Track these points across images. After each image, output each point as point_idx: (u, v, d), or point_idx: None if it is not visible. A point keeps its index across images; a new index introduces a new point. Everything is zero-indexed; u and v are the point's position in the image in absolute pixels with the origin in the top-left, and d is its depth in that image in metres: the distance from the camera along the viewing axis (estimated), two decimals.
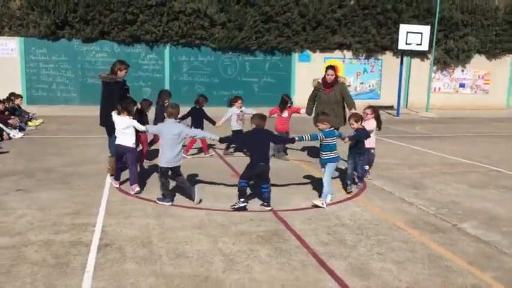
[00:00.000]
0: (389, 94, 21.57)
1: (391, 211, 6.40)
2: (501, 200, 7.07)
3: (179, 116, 6.93)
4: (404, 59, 20.88)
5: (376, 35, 21.42)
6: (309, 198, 6.74)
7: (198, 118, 9.43)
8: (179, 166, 6.42)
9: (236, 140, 9.33)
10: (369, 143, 7.64)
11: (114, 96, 7.29)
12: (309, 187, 7.42)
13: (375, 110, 7.98)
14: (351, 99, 8.96)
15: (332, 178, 6.83)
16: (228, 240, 5.18)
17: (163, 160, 6.30)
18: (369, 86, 22.28)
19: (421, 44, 18.86)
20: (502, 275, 4.51)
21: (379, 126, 7.95)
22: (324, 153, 6.59)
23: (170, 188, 6.46)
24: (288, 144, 9.45)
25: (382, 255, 4.91)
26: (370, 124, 7.76)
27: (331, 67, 9.09)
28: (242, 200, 6.19)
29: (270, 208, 6.27)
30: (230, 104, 9.98)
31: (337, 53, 21.74)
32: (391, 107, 21.19)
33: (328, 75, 8.96)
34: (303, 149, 10.98)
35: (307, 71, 21.25)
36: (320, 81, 9.29)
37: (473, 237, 5.49)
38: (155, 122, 8.51)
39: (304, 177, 8.10)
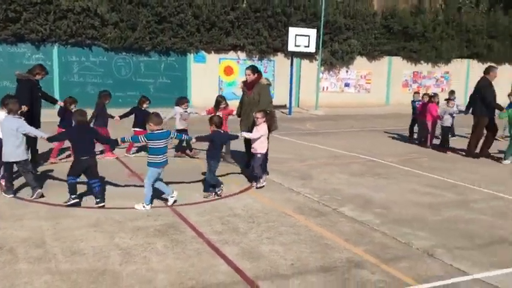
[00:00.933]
0: (282, 94, 22.59)
1: (281, 200, 6.94)
2: (375, 186, 7.97)
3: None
4: (294, 60, 22.02)
5: (268, 37, 22.35)
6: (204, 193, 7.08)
7: (140, 118, 9.81)
8: (26, 160, 6.64)
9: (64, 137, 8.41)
10: (261, 147, 7.51)
11: (23, 93, 7.31)
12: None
13: (266, 113, 7.68)
14: (264, 101, 8.12)
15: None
16: (125, 236, 5.32)
17: (5, 154, 6.54)
18: None
19: (308, 46, 20.07)
20: (372, 248, 5.19)
21: (270, 129, 7.75)
22: (149, 156, 6.24)
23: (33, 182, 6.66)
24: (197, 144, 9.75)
25: (270, 239, 5.38)
26: (261, 128, 7.52)
27: (249, 67, 8.43)
28: (73, 196, 6.25)
29: (103, 204, 6.22)
30: (176, 104, 10.08)
31: (232, 54, 22.32)
32: (284, 106, 22.23)
33: (246, 75, 8.37)
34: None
35: (202, 72, 21.57)
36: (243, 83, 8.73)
37: (350, 218, 6.19)
38: (95, 123, 9.40)
39: (203, 173, 8.41)
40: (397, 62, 25.81)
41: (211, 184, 6.98)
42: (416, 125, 13.15)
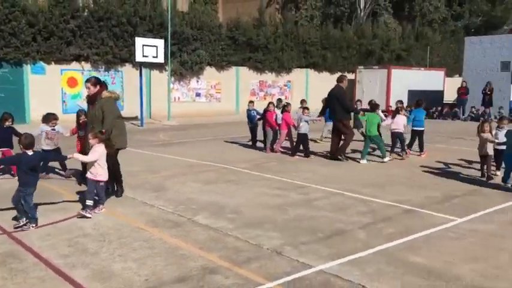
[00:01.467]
0: (132, 105, 21.98)
1: (133, 215, 6.74)
2: (228, 192, 8.21)
3: None
4: (144, 70, 21.62)
5: (114, 47, 21.59)
6: (49, 215, 6.53)
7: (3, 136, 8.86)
8: None
9: None
10: (100, 174, 6.74)
11: None
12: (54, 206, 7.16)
13: (101, 133, 6.85)
14: (108, 117, 7.17)
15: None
16: None
17: None
18: None
19: (157, 57, 19.88)
20: (225, 253, 5.32)
21: (113, 148, 7.08)
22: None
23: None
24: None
25: (123, 256, 5.19)
26: (96, 151, 6.72)
27: (89, 79, 7.49)
28: None
29: None
30: (43, 121, 9.01)
31: (75, 65, 21.08)
32: (136, 118, 21.66)
33: (86, 88, 7.45)
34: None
35: (42, 84, 19.96)
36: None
37: (204, 226, 6.27)
38: None
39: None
40: (244, 71, 26.91)
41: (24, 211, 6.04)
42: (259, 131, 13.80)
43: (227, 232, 6.01)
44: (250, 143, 14.34)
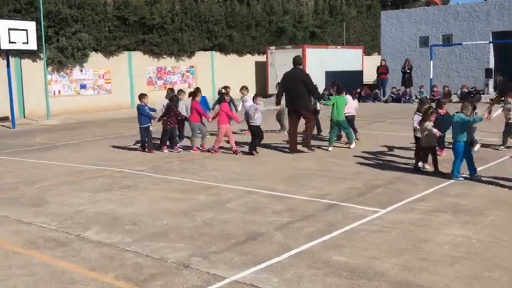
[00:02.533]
0: (1, 103, 20.70)
1: (5, 236, 6.39)
2: (123, 200, 8.06)
3: None
4: (12, 60, 20.44)
5: None
6: None
7: None
8: None
9: None
10: None
11: None
12: None
13: None
14: None
15: None
16: None
17: None
18: None
19: (28, 43, 18.87)
20: (123, 271, 5.22)
21: None
22: None
23: None
24: None
25: None
26: None
27: None
28: None
29: None
30: None
31: None
32: (6, 118, 20.44)
33: None
34: None
35: None
36: None
37: (96, 242, 6.10)
38: None
39: None
40: (138, 57, 26.40)
41: None
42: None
43: (124, 247, 5.90)
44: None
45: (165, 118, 12.41)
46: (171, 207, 7.54)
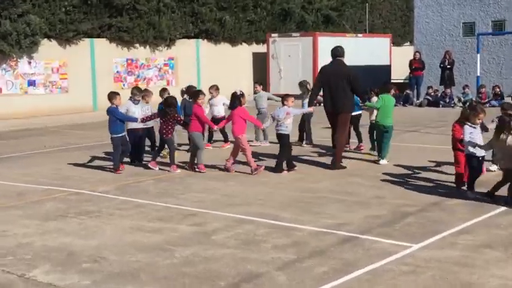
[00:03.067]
0: None
1: None
2: (82, 230, 8.05)
3: None
4: None
5: None
6: None
7: None
8: None
9: None
10: None
11: None
12: None
13: None
14: None
15: None
16: None
17: None
18: None
19: None
20: None
21: None
22: None
23: None
24: None
25: None
26: None
27: None
28: None
29: None
30: None
31: None
32: None
33: None
34: None
35: None
36: None
37: (45, 285, 6.09)
38: None
39: None
40: (103, 46, 26.45)
41: None
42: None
43: None
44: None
45: (163, 125, 12.35)
46: (143, 240, 7.51)
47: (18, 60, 23.92)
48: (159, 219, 8.50)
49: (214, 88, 15.44)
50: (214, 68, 29.26)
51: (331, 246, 7.15)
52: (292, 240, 7.39)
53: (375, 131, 12.90)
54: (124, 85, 27.00)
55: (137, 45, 27.67)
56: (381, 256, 6.71)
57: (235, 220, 8.37)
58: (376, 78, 26.56)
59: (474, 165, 9.48)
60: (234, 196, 9.89)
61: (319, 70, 12.94)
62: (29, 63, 24.27)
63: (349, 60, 27.98)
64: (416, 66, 26.85)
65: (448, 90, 25.34)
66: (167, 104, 12.35)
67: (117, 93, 12.50)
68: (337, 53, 12.52)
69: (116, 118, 12.10)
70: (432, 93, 25.79)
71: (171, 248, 7.20)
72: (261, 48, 31.57)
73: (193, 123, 12.25)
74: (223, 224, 8.18)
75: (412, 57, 27.42)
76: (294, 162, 12.06)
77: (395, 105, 13.03)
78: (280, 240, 7.40)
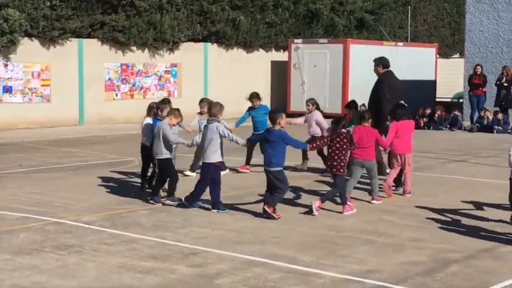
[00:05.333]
0: None
1: None
2: (60, 268, 8.05)
3: None
4: None
5: None
6: None
7: None
8: None
9: None
10: None
11: None
12: None
13: None
14: None
15: None
16: None
17: None
18: None
19: None
20: None
21: None
22: None
23: None
24: None
25: None
26: None
27: None
28: None
29: None
30: None
31: None
32: None
33: None
34: None
35: None
36: None
37: None
38: None
39: None
40: (94, 48, 26.63)
41: None
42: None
43: None
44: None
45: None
46: (134, 283, 7.51)
47: None
48: (153, 258, 8.47)
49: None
50: (225, 77, 29.38)
51: None
52: None
53: None
54: (116, 95, 27.22)
55: (134, 48, 27.84)
56: None
57: (243, 262, 8.34)
58: (418, 95, 26.55)
59: None
60: (244, 232, 9.87)
61: (390, 82, 13.82)
62: (5, 65, 24.46)
63: None
64: (476, 82, 26.57)
65: (500, 115, 25.05)
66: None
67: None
68: (385, 64, 13.91)
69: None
70: (482, 116, 25.58)
71: None
72: (281, 56, 31.69)
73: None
74: (229, 266, 8.14)
75: (471, 72, 26.89)
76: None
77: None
78: None
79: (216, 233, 9.83)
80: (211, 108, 11.94)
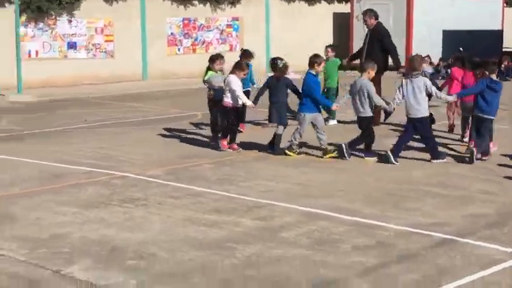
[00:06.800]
0: None
1: None
2: (126, 221, 8.18)
3: None
4: None
5: None
6: None
7: None
8: None
9: None
10: None
11: None
12: None
13: None
14: None
15: None
16: None
17: None
18: None
19: None
20: None
21: None
22: None
23: None
24: None
25: None
26: None
27: None
28: None
29: None
30: None
31: None
32: None
33: None
34: None
35: None
36: None
37: (84, 283, 6.20)
38: None
39: None
40: (156, 3, 26.58)
41: None
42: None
43: None
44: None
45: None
46: (198, 235, 7.58)
47: (57, 18, 24.33)
48: (217, 211, 8.54)
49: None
50: (287, 31, 29.14)
51: (422, 249, 7.05)
52: (376, 241, 7.33)
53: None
54: (179, 49, 27.25)
55: (196, 2, 27.78)
56: (484, 264, 6.58)
57: (308, 215, 8.35)
58: (485, 46, 25.96)
59: None
60: (309, 186, 9.87)
61: (386, 32, 14.87)
62: (69, 22, 24.66)
63: (451, 24, 27.62)
64: None
65: None
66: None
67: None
68: None
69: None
70: None
71: (232, 245, 7.24)
72: (343, 8, 31.26)
73: None
74: (294, 219, 8.17)
75: None
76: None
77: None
78: (361, 241, 7.35)
79: (281, 186, 9.84)
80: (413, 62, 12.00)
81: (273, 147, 12.01)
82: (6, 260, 6.86)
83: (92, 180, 10.26)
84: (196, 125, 15.17)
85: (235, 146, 12.33)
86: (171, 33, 27.36)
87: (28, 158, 11.90)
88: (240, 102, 12.46)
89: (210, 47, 27.92)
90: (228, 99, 12.26)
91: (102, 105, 19.63)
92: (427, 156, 11.54)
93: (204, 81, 13.39)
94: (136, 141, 13.61)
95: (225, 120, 12.45)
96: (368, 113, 11.74)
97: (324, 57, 14.30)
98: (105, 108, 18.81)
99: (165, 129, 14.89)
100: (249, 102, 12.62)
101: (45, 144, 13.37)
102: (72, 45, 24.87)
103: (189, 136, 14.13)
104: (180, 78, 25.88)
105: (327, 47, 16.22)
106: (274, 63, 12.74)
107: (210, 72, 13.26)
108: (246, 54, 14.41)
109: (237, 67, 12.42)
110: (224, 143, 12.30)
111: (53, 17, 24.19)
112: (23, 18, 23.19)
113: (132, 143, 13.41)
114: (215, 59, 13.40)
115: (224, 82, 12.54)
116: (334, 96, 15.21)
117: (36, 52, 24.09)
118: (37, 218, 8.28)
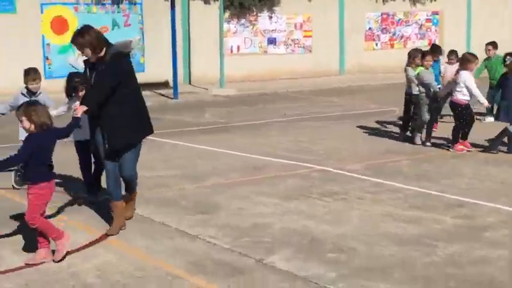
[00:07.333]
0: (159, 62, 22.32)
1: (164, 253, 6.96)
2: (326, 214, 8.24)
3: None
4: (178, 1, 21.85)
5: None
6: (19, 250, 6.91)
7: None
8: None
9: None
10: None
11: None
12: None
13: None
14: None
15: None
16: None
17: None
18: None
19: None
20: None
21: None
22: None
23: None
24: None
25: None
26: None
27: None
28: None
29: None
30: None
31: None
32: (165, 84, 22.02)
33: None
34: None
35: (11, 28, 20.70)
36: None
37: (285, 273, 6.34)
38: None
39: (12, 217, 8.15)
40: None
41: None
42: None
43: (326, 285, 6.05)
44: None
45: None
46: (397, 231, 7.52)
47: (258, 14, 24.91)
48: (417, 208, 8.43)
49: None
50: (488, 26, 28.09)
51: None
52: None
53: None
54: (377, 44, 27.10)
55: None
56: None
57: None
58: None
59: None
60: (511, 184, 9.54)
61: None
62: (270, 18, 25.17)
63: None
64: None
65: None
66: None
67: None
68: None
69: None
70: None
71: (432, 243, 7.12)
72: None
73: None
74: (498, 219, 7.91)
75: None
76: None
77: None
78: None
79: (481, 185, 9.57)
80: None
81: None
82: (212, 246, 7.13)
83: (292, 173, 10.42)
84: (394, 121, 14.99)
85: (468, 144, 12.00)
86: (370, 28, 27.26)
87: (230, 150, 12.27)
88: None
89: (408, 42, 27.53)
90: (464, 97, 11.82)
91: (300, 99, 19.91)
92: None
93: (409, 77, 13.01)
94: (335, 136, 13.69)
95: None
96: None
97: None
98: (303, 103, 19.06)
99: (364, 124, 14.88)
100: (486, 103, 12.42)
101: (245, 136, 13.76)
102: (271, 41, 25.39)
103: (387, 132, 14.06)
104: (377, 73, 25.70)
105: (487, 44, 15.58)
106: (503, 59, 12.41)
107: (419, 68, 12.86)
108: (433, 50, 13.98)
109: (465, 62, 11.93)
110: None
111: (254, 13, 24.78)
112: (226, 14, 23.91)
113: (330, 137, 13.51)
114: (425, 54, 12.97)
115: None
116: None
117: (238, 47, 24.79)
118: (239, 208, 8.54)
